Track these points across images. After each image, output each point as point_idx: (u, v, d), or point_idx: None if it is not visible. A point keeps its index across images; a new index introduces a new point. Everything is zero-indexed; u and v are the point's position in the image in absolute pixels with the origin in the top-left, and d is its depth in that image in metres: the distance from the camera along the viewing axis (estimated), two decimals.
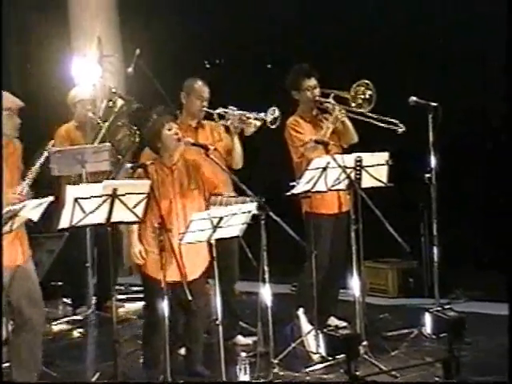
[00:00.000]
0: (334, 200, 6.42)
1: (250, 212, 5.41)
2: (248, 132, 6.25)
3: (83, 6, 8.70)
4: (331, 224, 6.46)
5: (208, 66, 8.74)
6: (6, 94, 5.36)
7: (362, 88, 6.49)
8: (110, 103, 7.39)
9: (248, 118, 6.22)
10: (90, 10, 8.68)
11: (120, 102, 7.40)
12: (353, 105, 6.46)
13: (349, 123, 6.46)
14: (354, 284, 5.98)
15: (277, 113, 6.19)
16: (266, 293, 5.56)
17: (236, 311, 6.40)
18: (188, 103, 6.35)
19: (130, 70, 7.44)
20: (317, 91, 6.54)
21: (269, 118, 6.19)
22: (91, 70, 8.40)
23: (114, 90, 7.54)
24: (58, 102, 7.62)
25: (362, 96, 6.49)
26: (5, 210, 5.10)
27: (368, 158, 6.03)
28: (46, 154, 5.45)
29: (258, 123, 6.21)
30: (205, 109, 6.31)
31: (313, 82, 6.53)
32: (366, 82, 6.48)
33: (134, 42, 7.87)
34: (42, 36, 8.63)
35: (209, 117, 6.40)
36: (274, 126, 6.21)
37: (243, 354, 6.11)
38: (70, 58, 8.15)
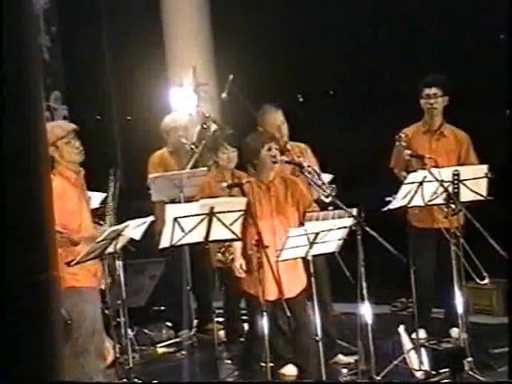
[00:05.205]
0: (435, 214, 6.35)
1: (346, 227, 5.39)
2: None
3: (179, 35, 8.91)
4: (434, 238, 6.39)
5: (301, 99, 8.66)
6: (52, 125, 5.22)
7: None
8: (204, 128, 7.52)
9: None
10: (185, 38, 8.87)
11: (213, 127, 7.53)
12: None
13: None
14: (457, 301, 5.88)
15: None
16: (365, 310, 5.50)
17: (331, 331, 6.32)
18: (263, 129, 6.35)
19: (224, 95, 7.58)
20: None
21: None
22: (187, 99, 8.61)
23: (207, 115, 7.68)
24: (155, 130, 7.79)
25: None
26: (109, 230, 5.24)
27: (466, 171, 5.95)
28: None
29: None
30: (284, 138, 6.31)
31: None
32: None
33: (228, 68, 7.99)
34: (138, 65, 8.85)
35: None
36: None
37: (345, 371, 6.07)
38: (166, 87, 8.36)
